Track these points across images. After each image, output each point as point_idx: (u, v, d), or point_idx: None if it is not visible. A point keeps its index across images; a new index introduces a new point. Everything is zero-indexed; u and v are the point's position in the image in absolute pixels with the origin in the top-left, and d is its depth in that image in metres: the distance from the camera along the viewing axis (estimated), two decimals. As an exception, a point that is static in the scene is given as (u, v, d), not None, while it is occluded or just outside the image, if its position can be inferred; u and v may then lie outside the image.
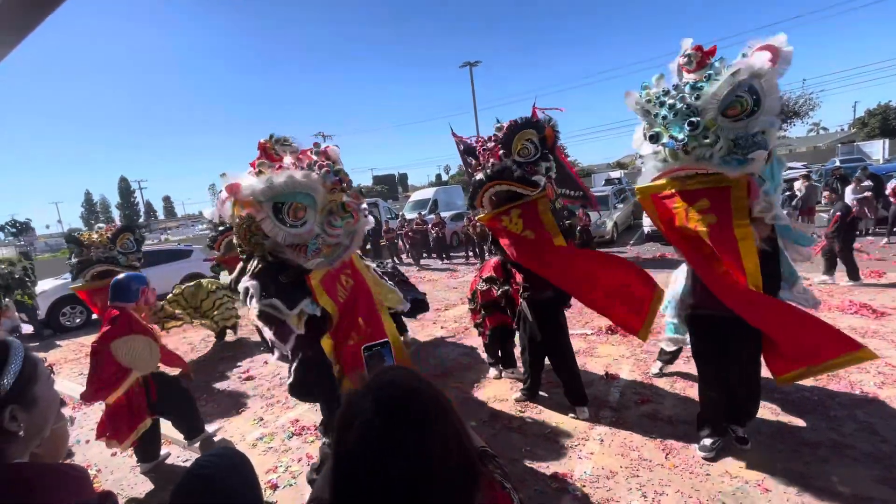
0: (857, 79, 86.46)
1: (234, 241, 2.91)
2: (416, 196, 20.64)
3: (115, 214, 69.22)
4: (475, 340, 5.62)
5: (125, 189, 67.18)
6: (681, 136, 2.35)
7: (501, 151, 3.37)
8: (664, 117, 2.45)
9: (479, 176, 3.47)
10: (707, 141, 2.31)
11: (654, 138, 2.52)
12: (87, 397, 3.07)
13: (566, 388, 3.66)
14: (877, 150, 25.78)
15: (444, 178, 62.45)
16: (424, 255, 14.40)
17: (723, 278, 2.58)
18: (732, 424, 2.95)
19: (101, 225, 5.75)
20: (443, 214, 14.65)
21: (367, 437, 0.67)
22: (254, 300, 2.71)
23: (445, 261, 13.40)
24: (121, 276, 3.44)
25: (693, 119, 2.30)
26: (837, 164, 15.39)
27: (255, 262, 2.80)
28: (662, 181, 2.66)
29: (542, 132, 3.39)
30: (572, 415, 3.56)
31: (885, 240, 8.77)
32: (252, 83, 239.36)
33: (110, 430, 3.26)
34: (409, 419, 0.69)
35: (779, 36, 2.28)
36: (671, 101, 2.41)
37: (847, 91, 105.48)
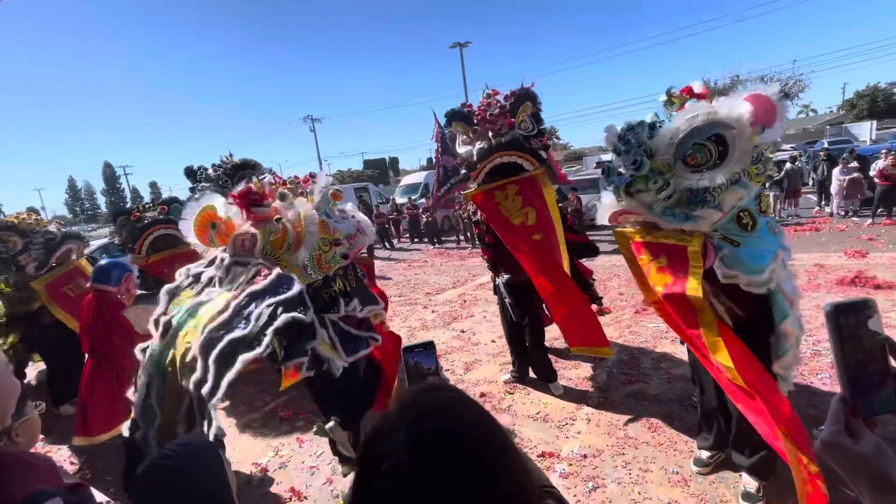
0: (846, 60, 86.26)
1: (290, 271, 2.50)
2: (407, 180, 20.32)
3: (101, 201, 68.00)
4: (465, 324, 5.70)
5: (110, 175, 65.75)
6: (627, 174, 2.18)
7: (512, 120, 3.20)
8: (618, 153, 2.29)
9: (483, 144, 3.21)
10: (654, 186, 2.12)
11: (609, 172, 2.32)
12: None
13: (535, 367, 3.76)
14: (864, 131, 25.98)
15: (436, 161, 61.70)
16: (416, 239, 14.38)
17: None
18: (735, 452, 2.46)
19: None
20: (434, 198, 14.54)
21: (397, 490, 0.51)
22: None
23: (437, 245, 13.40)
24: (103, 261, 3.39)
25: (637, 158, 2.13)
26: (825, 145, 15.52)
27: (339, 282, 2.67)
28: (629, 228, 2.41)
29: (538, 105, 3.25)
30: (557, 392, 3.63)
31: (870, 220, 8.90)
32: (238, 65, 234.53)
33: (80, 423, 3.23)
34: (455, 466, 0.52)
35: (770, 86, 2.07)
36: (630, 137, 2.21)
37: (836, 73, 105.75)
